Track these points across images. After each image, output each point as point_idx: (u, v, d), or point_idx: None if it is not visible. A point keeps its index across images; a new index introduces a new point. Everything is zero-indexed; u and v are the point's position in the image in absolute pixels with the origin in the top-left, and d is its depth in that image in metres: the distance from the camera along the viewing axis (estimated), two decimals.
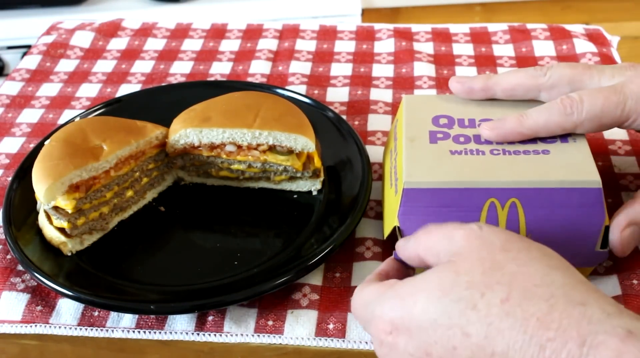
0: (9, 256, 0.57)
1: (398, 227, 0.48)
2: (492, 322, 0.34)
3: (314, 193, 0.62)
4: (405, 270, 0.45)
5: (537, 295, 0.34)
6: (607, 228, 0.47)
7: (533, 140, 0.49)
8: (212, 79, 0.80)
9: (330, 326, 0.51)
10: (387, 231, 0.51)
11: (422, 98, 0.56)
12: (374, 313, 0.39)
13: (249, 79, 0.79)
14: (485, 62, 0.81)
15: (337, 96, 0.76)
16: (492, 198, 0.46)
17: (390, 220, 0.50)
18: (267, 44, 0.86)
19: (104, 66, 0.84)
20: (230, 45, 0.87)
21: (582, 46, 0.81)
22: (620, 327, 0.32)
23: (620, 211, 0.48)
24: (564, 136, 0.50)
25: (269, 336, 0.51)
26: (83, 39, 0.89)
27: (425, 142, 0.50)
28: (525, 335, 0.33)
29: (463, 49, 0.84)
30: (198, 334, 0.51)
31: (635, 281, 0.52)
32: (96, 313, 0.53)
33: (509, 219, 0.46)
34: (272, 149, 0.60)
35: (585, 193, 0.46)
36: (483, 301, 0.35)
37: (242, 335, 0.51)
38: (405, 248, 0.43)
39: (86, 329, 0.52)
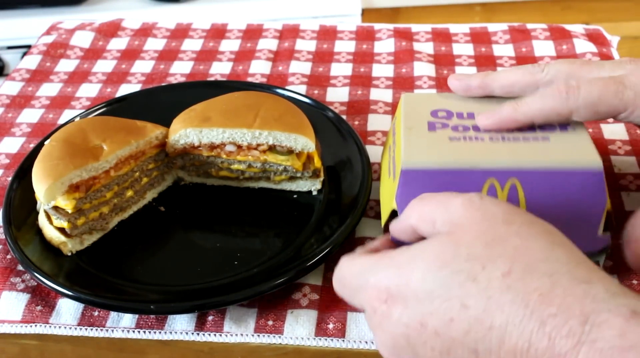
0: (9, 256, 0.57)
1: (395, 210, 0.47)
2: (492, 295, 0.33)
3: (314, 193, 0.62)
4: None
5: (540, 271, 0.33)
6: (608, 213, 0.46)
7: (532, 128, 0.49)
8: (212, 79, 0.80)
9: (330, 326, 0.51)
10: (384, 218, 0.50)
11: (421, 95, 0.56)
12: (368, 282, 0.38)
13: (249, 79, 0.79)
14: (485, 62, 0.81)
15: (337, 96, 0.76)
16: (491, 178, 0.45)
17: (388, 206, 0.49)
18: (267, 44, 0.86)
19: (104, 66, 0.84)
20: (230, 45, 0.87)
21: (582, 45, 0.81)
22: (625, 306, 0.31)
23: (629, 225, 0.46)
24: (564, 125, 0.49)
25: (268, 336, 0.51)
26: (83, 39, 0.89)
27: (424, 130, 0.50)
28: (527, 309, 0.32)
29: (463, 49, 0.84)
30: (198, 334, 0.51)
31: (635, 281, 0.52)
32: (96, 313, 0.53)
33: (509, 202, 0.45)
34: (272, 149, 0.60)
35: (587, 176, 0.45)
36: (484, 274, 0.34)
37: (242, 335, 0.51)
38: (399, 221, 0.42)
39: (86, 329, 0.52)
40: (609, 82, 0.48)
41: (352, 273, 0.40)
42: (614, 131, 0.68)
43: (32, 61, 0.84)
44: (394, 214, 0.48)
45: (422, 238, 0.40)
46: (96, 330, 0.52)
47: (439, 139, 0.49)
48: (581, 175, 0.45)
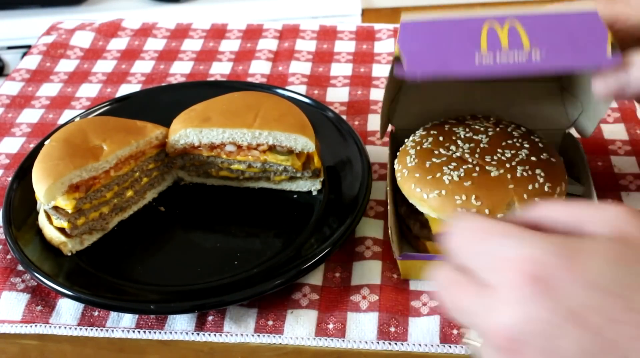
0: (9, 256, 0.57)
1: (398, 56, 0.47)
2: None
3: (314, 193, 0.62)
4: None
5: None
6: (613, 42, 0.46)
7: None
8: (212, 79, 0.80)
9: (330, 326, 0.51)
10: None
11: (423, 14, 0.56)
12: (517, 250, 0.34)
13: (249, 79, 0.79)
14: None
15: (337, 96, 0.76)
16: (490, 20, 0.47)
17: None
18: (267, 44, 0.86)
19: (104, 66, 0.84)
20: (230, 45, 0.87)
21: None
22: None
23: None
24: None
25: (268, 336, 0.51)
26: (83, 39, 0.89)
27: None
28: None
29: None
30: (198, 334, 0.51)
31: None
32: (96, 313, 0.53)
33: (511, 38, 0.46)
34: (272, 149, 0.60)
35: (583, 16, 0.47)
36: None
37: (242, 335, 0.51)
38: (556, 208, 0.37)
39: (86, 329, 0.52)
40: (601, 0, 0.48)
41: (497, 230, 0.35)
42: (613, 131, 0.68)
43: (32, 61, 0.85)
44: (397, 60, 0.47)
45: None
46: (96, 330, 0.52)
47: None
48: (578, 16, 0.47)
